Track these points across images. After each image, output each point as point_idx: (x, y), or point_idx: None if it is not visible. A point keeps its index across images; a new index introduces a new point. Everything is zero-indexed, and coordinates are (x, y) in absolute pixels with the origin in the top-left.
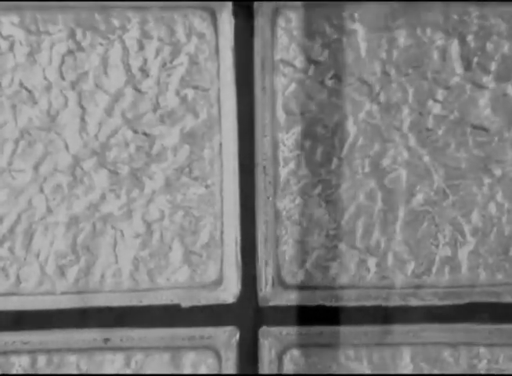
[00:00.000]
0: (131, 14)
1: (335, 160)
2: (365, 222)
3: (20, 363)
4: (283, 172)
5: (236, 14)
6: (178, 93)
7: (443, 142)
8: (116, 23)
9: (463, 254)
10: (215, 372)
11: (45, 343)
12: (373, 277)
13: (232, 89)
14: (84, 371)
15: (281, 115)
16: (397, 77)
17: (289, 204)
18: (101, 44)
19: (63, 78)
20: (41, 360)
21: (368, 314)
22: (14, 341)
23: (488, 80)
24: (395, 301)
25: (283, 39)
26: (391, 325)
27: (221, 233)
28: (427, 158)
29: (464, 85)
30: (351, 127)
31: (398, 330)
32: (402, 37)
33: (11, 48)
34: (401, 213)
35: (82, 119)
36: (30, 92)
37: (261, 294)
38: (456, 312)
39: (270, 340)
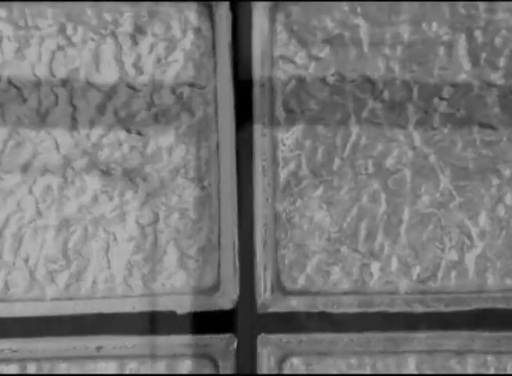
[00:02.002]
0: (124, 8)
1: (337, 161)
2: (369, 224)
3: (9, 371)
4: (283, 173)
5: (233, 8)
6: (173, 91)
7: (449, 141)
8: (108, 17)
9: (470, 258)
10: None
11: (35, 351)
12: (377, 282)
13: (230, 87)
14: None
15: (281, 114)
16: (401, 74)
17: (289, 206)
18: (93, 39)
19: (53, 75)
20: (31, 369)
21: (371, 321)
22: (2, 350)
23: (496, 77)
24: (400, 308)
25: (283, 34)
26: (395, 332)
27: (219, 236)
28: (432, 158)
29: (472, 82)
30: (353, 126)
31: (403, 337)
32: (406, 32)
33: None
34: (405, 215)
35: (73, 118)
36: (18, 89)
37: (259, 300)
38: (463, 319)
39: (269, 348)
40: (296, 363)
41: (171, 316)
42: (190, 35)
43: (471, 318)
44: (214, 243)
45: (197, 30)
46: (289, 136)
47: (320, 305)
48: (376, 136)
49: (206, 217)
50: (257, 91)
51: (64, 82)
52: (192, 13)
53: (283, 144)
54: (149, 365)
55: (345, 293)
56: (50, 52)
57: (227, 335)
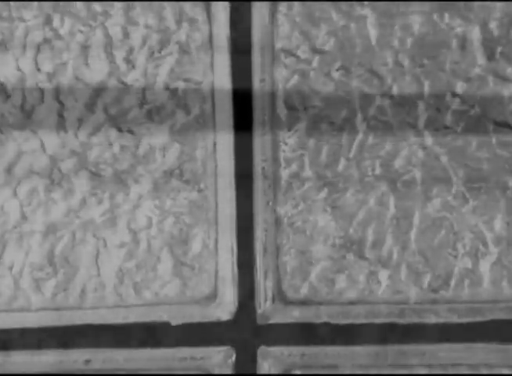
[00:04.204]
0: None
1: (342, 161)
2: (376, 229)
3: None
4: (285, 174)
5: None
6: (167, 86)
7: (463, 141)
8: (98, 8)
9: (484, 265)
10: None
11: (19, 365)
12: (385, 291)
13: (228, 82)
14: None
15: (282, 111)
16: (411, 69)
17: (291, 209)
18: (81, 31)
19: (38, 70)
20: None
21: (379, 332)
22: None
23: None
24: (409, 318)
25: (285, 26)
26: (405, 345)
27: (216, 242)
28: (444, 159)
29: (486, 77)
30: (360, 124)
31: (413, 350)
32: (416, 24)
33: None
34: (415, 220)
35: (60, 115)
36: (1, 84)
37: (259, 311)
38: (477, 331)
39: (270, 361)
40: None
41: (164, 327)
42: (185, 27)
43: (486, 329)
44: (211, 249)
45: (193, 22)
46: (291, 135)
47: (324, 315)
48: (385, 135)
49: (202, 221)
50: (257, 87)
51: (50, 77)
52: (187, 4)
53: (284, 143)
54: None
55: (351, 303)
56: (35, 44)
57: (225, 348)
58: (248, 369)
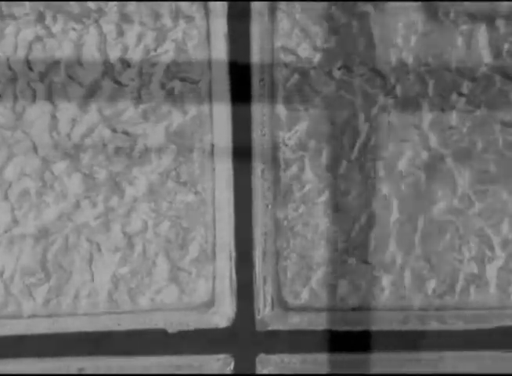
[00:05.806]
0: None
1: (344, 163)
2: (379, 233)
3: None
4: (285, 176)
5: None
6: (163, 86)
7: (468, 141)
8: (91, 5)
9: (491, 270)
10: None
11: (11, 373)
12: (388, 297)
13: (226, 81)
14: None
15: (282, 111)
16: (415, 68)
17: (291, 212)
18: (74, 29)
19: (30, 69)
20: None
21: (382, 340)
22: None
23: None
24: (414, 325)
25: (284, 23)
26: (409, 352)
27: (213, 246)
28: (449, 160)
29: (493, 76)
30: (362, 124)
31: (417, 358)
32: (420, 21)
33: None
34: (420, 223)
35: (53, 116)
36: None
37: (258, 317)
38: (484, 338)
39: (270, 369)
40: None
41: (160, 334)
42: (182, 24)
43: (493, 337)
44: (208, 254)
45: (190, 19)
46: (291, 136)
47: (325, 322)
48: (388, 136)
49: (199, 225)
50: (256, 86)
51: (43, 76)
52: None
53: (284, 144)
54: None
55: (353, 309)
56: (27, 43)
57: (223, 356)
58: None
